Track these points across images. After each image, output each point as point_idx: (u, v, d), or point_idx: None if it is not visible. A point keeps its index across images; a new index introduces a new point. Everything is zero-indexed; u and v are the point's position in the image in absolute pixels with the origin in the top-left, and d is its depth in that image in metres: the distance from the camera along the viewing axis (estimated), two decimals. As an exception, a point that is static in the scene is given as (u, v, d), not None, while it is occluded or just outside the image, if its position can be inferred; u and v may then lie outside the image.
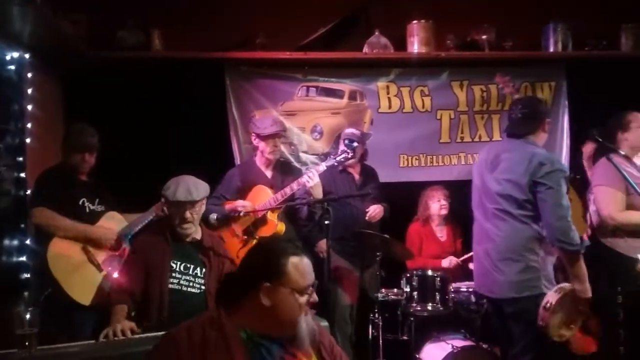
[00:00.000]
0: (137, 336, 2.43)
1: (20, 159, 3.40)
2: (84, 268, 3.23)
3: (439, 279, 3.79)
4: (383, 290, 3.85)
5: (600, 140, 3.17)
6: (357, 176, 4.17)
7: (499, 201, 2.95)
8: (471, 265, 3.94)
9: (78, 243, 3.24)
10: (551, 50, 4.66)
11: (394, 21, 4.59)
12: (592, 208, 3.48)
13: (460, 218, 4.29)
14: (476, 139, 4.81)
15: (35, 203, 3.21)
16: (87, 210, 3.36)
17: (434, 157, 4.80)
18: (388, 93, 4.72)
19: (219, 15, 4.43)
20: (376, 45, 4.50)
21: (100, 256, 3.30)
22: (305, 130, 4.65)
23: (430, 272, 3.83)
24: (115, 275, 3.11)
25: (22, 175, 3.38)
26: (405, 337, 3.91)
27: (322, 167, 3.76)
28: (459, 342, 3.67)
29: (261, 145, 3.86)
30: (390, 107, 4.73)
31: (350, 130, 4.13)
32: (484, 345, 3.66)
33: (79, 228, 3.24)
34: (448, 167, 4.81)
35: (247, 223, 3.70)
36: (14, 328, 2.14)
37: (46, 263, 3.12)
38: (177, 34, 4.33)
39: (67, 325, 3.10)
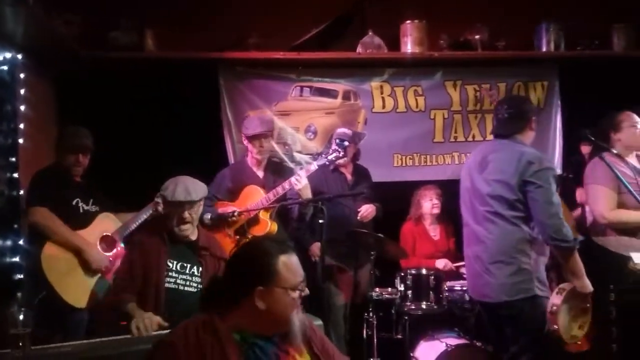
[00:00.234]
0: (129, 336, 2.43)
1: (13, 159, 3.38)
2: (77, 270, 3.22)
3: (433, 277, 3.81)
4: (377, 289, 3.85)
5: (593, 139, 3.18)
6: (349, 176, 4.17)
7: (489, 203, 2.93)
8: (464, 270, 3.97)
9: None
10: (544, 50, 4.69)
11: (388, 21, 4.60)
12: (586, 207, 3.50)
13: (453, 217, 4.30)
14: (470, 139, 4.83)
15: (33, 203, 3.20)
16: (81, 210, 3.36)
17: (428, 156, 4.81)
18: (382, 93, 4.74)
19: (213, 15, 4.43)
20: (370, 45, 4.51)
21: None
22: (299, 130, 4.65)
23: (424, 271, 3.86)
24: (114, 274, 3.09)
25: (15, 175, 3.36)
26: (399, 336, 3.92)
27: (314, 166, 3.76)
28: (453, 341, 3.69)
29: (249, 145, 3.88)
30: (384, 107, 4.74)
31: (341, 130, 4.14)
32: (477, 344, 3.68)
33: (75, 241, 3.22)
34: (442, 166, 4.82)
35: (239, 223, 3.70)
36: (7, 328, 2.14)
37: (40, 265, 3.12)
38: (170, 35, 4.33)
39: (61, 326, 3.10)
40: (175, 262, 2.81)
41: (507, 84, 4.82)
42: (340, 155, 3.81)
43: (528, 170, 2.80)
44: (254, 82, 4.56)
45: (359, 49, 4.52)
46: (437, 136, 4.80)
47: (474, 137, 4.83)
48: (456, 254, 4.27)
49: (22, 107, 3.53)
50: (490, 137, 4.71)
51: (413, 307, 3.82)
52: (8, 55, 3.45)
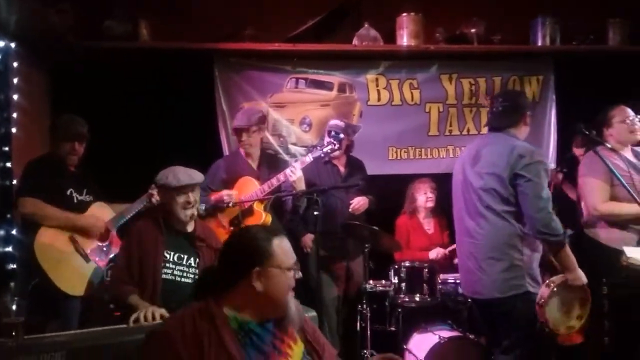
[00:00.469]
0: (123, 326, 2.42)
1: (6, 148, 3.36)
2: (71, 259, 3.21)
3: (426, 270, 3.82)
4: (371, 281, 3.86)
5: (587, 133, 3.19)
6: (342, 168, 4.16)
7: (481, 196, 2.93)
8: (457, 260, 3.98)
9: (65, 233, 3.21)
10: (539, 44, 4.69)
11: (384, 14, 4.60)
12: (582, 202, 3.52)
13: (447, 211, 4.30)
14: (464, 132, 4.84)
15: (23, 193, 3.18)
16: (75, 200, 3.34)
17: (423, 149, 4.82)
18: (377, 85, 4.73)
19: (208, 5, 4.40)
20: (366, 37, 4.50)
21: (88, 246, 3.28)
22: (294, 122, 4.65)
23: (418, 264, 3.87)
24: (114, 265, 3.08)
25: (8, 165, 3.34)
26: (392, 328, 3.95)
27: (309, 158, 3.76)
28: (446, 333, 3.71)
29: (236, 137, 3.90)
30: (379, 99, 4.73)
31: (334, 122, 4.14)
32: (470, 336, 3.70)
33: (68, 217, 3.21)
34: (436, 160, 4.83)
35: (233, 214, 3.69)
36: (0, 317, 2.13)
37: (33, 253, 3.10)
38: (165, 25, 4.31)
39: (55, 314, 3.09)
40: (172, 253, 2.81)
41: (503, 78, 4.82)
42: (336, 147, 3.80)
43: (519, 164, 2.80)
44: (249, 74, 4.54)
45: (355, 41, 4.51)
46: (432, 129, 4.81)
47: (468, 130, 4.84)
48: (449, 247, 4.28)
49: (15, 97, 3.51)
50: (485, 130, 4.78)
51: (406, 300, 3.83)
52: (1, 44, 3.43)
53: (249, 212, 3.69)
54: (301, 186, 3.67)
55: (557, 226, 2.73)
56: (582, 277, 2.82)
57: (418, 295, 3.81)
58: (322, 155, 3.81)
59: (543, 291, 2.79)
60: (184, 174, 2.85)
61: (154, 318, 2.42)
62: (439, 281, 3.86)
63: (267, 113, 4.49)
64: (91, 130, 3.46)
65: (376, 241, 3.82)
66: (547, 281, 2.84)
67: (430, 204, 4.39)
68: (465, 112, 4.84)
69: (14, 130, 3.44)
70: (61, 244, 3.19)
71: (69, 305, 3.17)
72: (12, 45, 3.51)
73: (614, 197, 3.25)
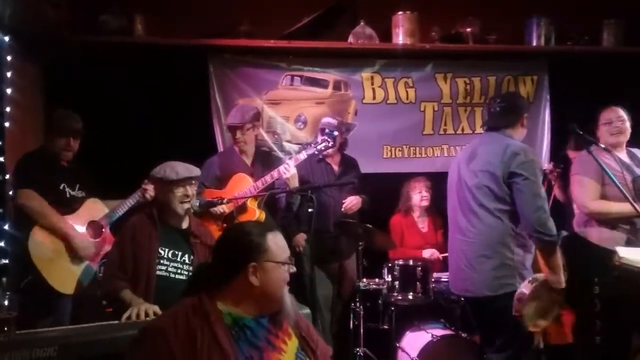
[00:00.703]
0: (116, 322, 2.42)
1: (-1, 143, 3.35)
2: (63, 257, 3.21)
3: (420, 269, 3.83)
4: (365, 279, 3.86)
5: (581, 133, 3.21)
6: (336, 167, 4.15)
7: (475, 194, 2.94)
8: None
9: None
10: (534, 44, 4.70)
11: (380, 12, 4.59)
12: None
13: (441, 210, 4.31)
14: (459, 132, 4.85)
15: (20, 185, 3.17)
16: (68, 195, 3.34)
17: (417, 148, 4.82)
18: (372, 84, 4.73)
19: (203, 1, 4.38)
20: (361, 35, 4.50)
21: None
22: (289, 120, 4.64)
23: (411, 262, 3.87)
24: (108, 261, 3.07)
25: (1, 159, 3.32)
26: (386, 326, 3.95)
27: (303, 155, 3.75)
28: (439, 331, 3.72)
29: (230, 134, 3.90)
30: (374, 98, 4.73)
31: (326, 120, 4.13)
32: (463, 335, 3.71)
33: (62, 228, 3.19)
34: (431, 158, 4.83)
35: (228, 210, 3.67)
36: (-8, 312, 2.12)
37: (27, 251, 3.10)
38: (160, 20, 4.28)
39: (47, 311, 3.08)
40: (166, 250, 2.80)
41: (497, 78, 4.83)
42: (330, 145, 3.80)
43: (514, 161, 2.80)
44: (244, 70, 4.53)
45: (351, 39, 4.50)
46: (426, 128, 4.81)
47: (463, 130, 4.85)
48: (444, 246, 4.27)
49: (9, 90, 3.49)
50: (479, 130, 4.80)
51: (400, 298, 3.83)
52: (-5, 37, 3.41)
53: (243, 209, 3.69)
54: (295, 183, 3.67)
55: (552, 226, 2.74)
56: (563, 282, 2.83)
57: (411, 293, 3.81)
58: (316, 152, 3.81)
59: (525, 287, 2.79)
60: (183, 168, 2.87)
61: (147, 315, 2.42)
62: (432, 280, 3.87)
63: (262, 110, 4.48)
64: (85, 125, 3.45)
65: (370, 239, 3.82)
66: (530, 278, 2.84)
67: (425, 203, 4.40)
68: (460, 111, 4.84)
69: (7, 124, 3.42)
70: (54, 242, 3.18)
71: (60, 303, 3.17)
72: (6, 38, 3.49)
73: (604, 196, 3.27)
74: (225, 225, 3.67)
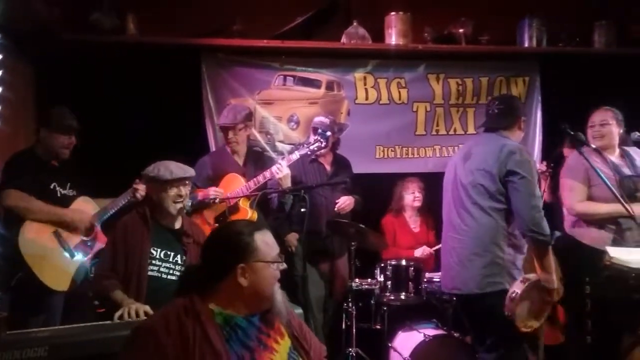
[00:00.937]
0: (107, 322, 2.40)
1: (-10, 142, 3.32)
2: (55, 254, 3.18)
3: (412, 269, 3.83)
4: (357, 279, 3.86)
5: (572, 133, 3.23)
6: (328, 166, 4.14)
7: (469, 192, 2.96)
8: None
9: (50, 228, 3.18)
10: (526, 45, 4.73)
11: (373, 12, 4.60)
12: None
13: (433, 210, 4.34)
14: (451, 132, 4.86)
15: (6, 185, 3.15)
16: (59, 194, 3.31)
17: (410, 149, 4.83)
18: (365, 84, 4.73)
19: (196, 1, 4.37)
20: (354, 35, 4.50)
21: (72, 241, 3.25)
22: (282, 120, 4.63)
23: (404, 262, 3.88)
24: (99, 261, 3.05)
25: (-9, 158, 3.30)
26: (378, 326, 3.94)
27: (295, 155, 3.74)
28: (431, 331, 3.72)
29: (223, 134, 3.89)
30: (367, 98, 4.74)
31: (319, 119, 4.11)
32: (455, 334, 3.71)
33: (52, 211, 3.19)
34: (423, 159, 4.84)
35: (219, 211, 3.67)
36: (-18, 313, 2.11)
37: (17, 248, 3.07)
38: (152, 19, 4.27)
39: (38, 310, 3.06)
40: (158, 250, 2.79)
41: (489, 79, 4.85)
42: (323, 145, 3.79)
43: (510, 160, 2.82)
44: (237, 70, 4.52)
45: (344, 40, 4.51)
46: (419, 129, 4.82)
47: (455, 130, 4.87)
48: (435, 246, 4.30)
49: (0, 89, 3.45)
50: (471, 130, 4.83)
51: (392, 298, 3.84)
52: (-14, 35, 3.38)
53: (235, 209, 3.68)
54: (287, 184, 3.66)
55: (546, 226, 2.76)
56: (555, 281, 2.85)
57: (403, 293, 3.81)
58: (309, 153, 3.80)
59: (517, 287, 2.80)
60: (177, 167, 2.86)
61: (137, 315, 2.41)
62: (425, 280, 3.88)
63: (254, 110, 4.47)
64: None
65: (362, 239, 3.82)
66: (522, 277, 2.86)
67: (418, 204, 4.41)
68: (452, 112, 4.86)
69: (-2, 123, 3.40)
70: (45, 239, 3.16)
71: (52, 301, 3.14)
72: (-3, 36, 3.47)
73: (591, 197, 3.34)
74: (217, 225, 3.66)
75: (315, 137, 3.83)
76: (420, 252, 4.26)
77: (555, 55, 4.82)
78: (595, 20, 4.80)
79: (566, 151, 4.08)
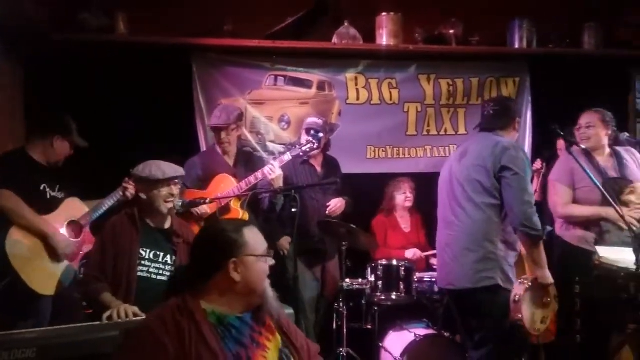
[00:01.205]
0: (96, 323, 2.39)
1: (-22, 142, 3.29)
2: (42, 257, 3.15)
3: (403, 268, 3.84)
4: (348, 279, 3.86)
5: (562, 133, 3.25)
6: (319, 168, 4.12)
7: (464, 188, 2.99)
8: (434, 261, 4.01)
9: None
10: (516, 46, 4.75)
11: (364, 13, 4.60)
12: None
13: (424, 210, 4.35)
14: (442, 132, 4.88)
15: None
16: (48, 196, 3.27)
17: (401, 149, 4.84)
18: (356, 84, 4.73)
19: (187, 0, 4.35)
20: (345, 36, 4.51)
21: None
22: (273, 120, 4.62)
23: (395, 262, 3.88)
24: (88, 262, 3.03)
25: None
26: (369, 326, 3.95)
27: (287, 156, 3.73)
28: (422, 331, 3.74)
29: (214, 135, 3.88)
30: (358, 98, 4.74)
31: (312, 120, 4.10)
32: (445, 334, 3.73)
33: (40, 227, 3.13)
34: (414, 159, 4.85)
35: (210, 211, 3.65)
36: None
37: (4, 251, 3.03)
38: (142, 18, 4.24)
39: (26, 314, 3.02)
40: (148, 251, 2.77)
41: (480, 79, 4.87)
42: (315, 146, 3.79)
43: (505, 156, 2.86)
44: (227, 70, 4.51)
45: (335, 40, 4.51)
46: (410, 129, 4.83)
47: (446, 131, 4.88)
48: (426, 246, 4.32)
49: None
50: (462, 131, 4.85)
51: (383, 298, 3.84)
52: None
53: (226, 209, 3.66)
54: (279, 184, 3.64)
55: (538, 221, 2.80)
56: (550, 277, 2.88)
57: (394, 293, 3.82)
58: (301, 154, 3.80)
59: (518, 288, 2.83)
60: (169, 167, 2.86)
61: (127, 315, 2.41)
62: (415, 279, 3.88)
63: (245, 110, 4.46)
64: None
65: (353, 239, 3.82)
66: (521, 279, 2.88)
67: (409, 204, 4.42)
68: (443, 112, 4.87)
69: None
70: (33, 242, 3.12)
71: (40, 305, 3.11)
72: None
73: (575, 200, 3.42)
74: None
75: (308, 138, 3.83)
76: (412, 254, 4.25)
77: (545, 56, 4.85)
78: (585, 22, 4.83)
79: (559, 144, 4.13)
